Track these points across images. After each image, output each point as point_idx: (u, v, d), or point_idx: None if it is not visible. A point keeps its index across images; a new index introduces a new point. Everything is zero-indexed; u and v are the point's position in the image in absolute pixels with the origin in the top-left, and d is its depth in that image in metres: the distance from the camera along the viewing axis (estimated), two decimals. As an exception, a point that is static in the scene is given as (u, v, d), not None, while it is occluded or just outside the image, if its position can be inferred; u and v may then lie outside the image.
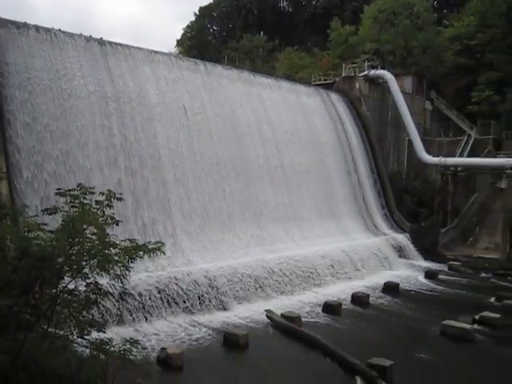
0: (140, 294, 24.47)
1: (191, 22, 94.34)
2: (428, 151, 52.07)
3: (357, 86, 52.37)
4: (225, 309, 27.15)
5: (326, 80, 56.38)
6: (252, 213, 35.60)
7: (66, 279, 12.31)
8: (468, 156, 53.49)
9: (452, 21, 69.40)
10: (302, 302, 29.77)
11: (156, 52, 34.50)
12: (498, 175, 51.40)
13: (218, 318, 25.73)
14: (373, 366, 19.88)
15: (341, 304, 29.17)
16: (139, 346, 12.95)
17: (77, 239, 11.88)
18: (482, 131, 57.16)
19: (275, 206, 37.64)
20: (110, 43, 31.26)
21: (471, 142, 55.58)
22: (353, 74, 53.59)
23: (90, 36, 30.43)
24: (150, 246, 12.58)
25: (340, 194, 44.96)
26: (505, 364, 22.91)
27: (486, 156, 53.17)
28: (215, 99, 36.23)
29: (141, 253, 12.39)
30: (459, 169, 51.31)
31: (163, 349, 20.25)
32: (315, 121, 45.65)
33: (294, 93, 45.41)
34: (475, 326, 26.83)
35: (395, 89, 52.43)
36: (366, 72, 52.67)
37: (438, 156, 51.42)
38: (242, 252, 32.46)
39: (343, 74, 54.82)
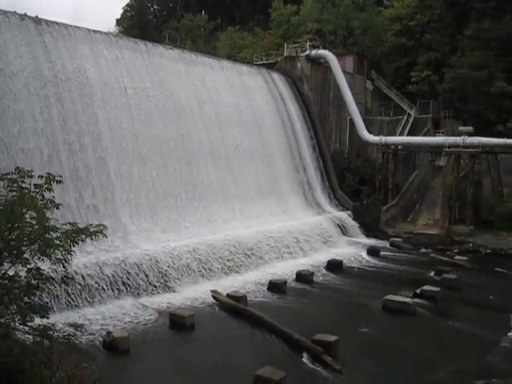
0: (83, 278, 24.13)
1: (131, 1, 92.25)
2: (369, 130, 52.84)
3: (299, 65, 52.61)
4: (171, 291, 27.06)
5: (268, 60, 56.46)
6: (195, 193, 35.46)
7: (6, 265, 12.02)
8: (408, 135, 54.69)
9: (392, 1, 70.31)
10: (248, 281, 29.97)
11: (95, 31, 33.62)
12: (436, 153, 52.81)
13: (164, 300, 25.64)
14: (318, 341, 20.27)
15: (286, 282, 29.52)
16: (84, 331, 12.81)
17: (16, 224, 11.60)
18: (422, 110, 58.60)
19: (219, 186, 37.62)
20: (47, 22, 30.25)
21: (411, 121, 56.89)
22: (295, 54, 53.77)
23: (25, 14, 29.39)
24: (91, 229, 12.41)
25: (283, 174, 45.29)
26: (444, 335, 23.82)
27: (425, 135, 54.50)
28: (156, 80, 35.69)
29: (83, 236, 12.21)
30: (399, 147, 52.31)
31: (109, 333, 20.05)
32: (258, 101, 45.68)
33: (236, 73, 45.23)
34: (416, 300, 27.65)
35: (337, 68, 52.88)
36: (307, 52, 52.91)
37: (379, 135, 52.31)
38: (186, 233, 32.36)
39: (285, 54, 54.95)
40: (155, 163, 33.24)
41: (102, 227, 12.64)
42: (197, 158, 36.64)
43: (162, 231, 31.34)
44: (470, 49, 59.26)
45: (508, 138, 46.49)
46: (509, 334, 24.02)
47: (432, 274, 34.10)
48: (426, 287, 29.08)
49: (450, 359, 20.83)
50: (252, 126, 43.57)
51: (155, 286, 26.74)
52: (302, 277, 31.17)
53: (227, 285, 28.58)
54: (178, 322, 22.56)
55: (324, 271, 33.63)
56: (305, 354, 20.02)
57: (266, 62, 55.70)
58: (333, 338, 20.52)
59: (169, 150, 34.53)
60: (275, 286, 28.73)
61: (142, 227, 30.49)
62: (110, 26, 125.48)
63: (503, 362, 20.88)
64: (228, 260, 31.58)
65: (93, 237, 12.43)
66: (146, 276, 26.72)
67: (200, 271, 29.49)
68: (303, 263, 34.58)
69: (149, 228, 30.83)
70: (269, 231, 36.58)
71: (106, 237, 12.84)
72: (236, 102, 42.64)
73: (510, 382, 18.91)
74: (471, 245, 42.87)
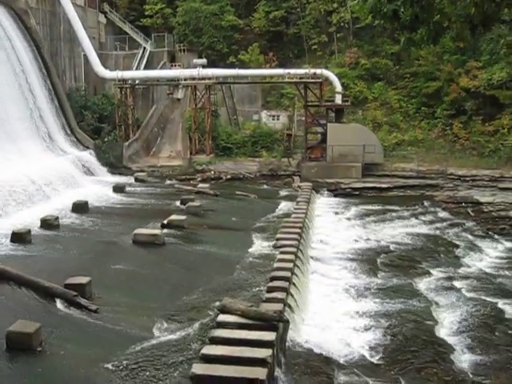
0: None
1: None
2: (105, 65, 51.73)
3: (22, -4, 48.62)
4: None
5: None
6: None
7: None
8: (144, 69, 54.77)
9: None
10: (-14, 236, 27.64)
11: None
12: (174, 86, 53.82)
13: None
14: (70, 285, 19.68)
15: (30, 231, 27.57)
16: None
17: None
18: (157, 44, 58.95)
19: None
20: None
21: (147, 54, 56.94)
22: (15, -16, 49.41)
23: None
24: None
25: (15, 116, 41.96)
26: (194, 260, 25.04)
27: (161, 68, 55.05)
28: None
29: None
30: (137, 82, 52.22)
31: None
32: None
33: None
34: (165, 230, 28.29)
35: (66, 1, 50.13)
36: (31, -18, 49.06)
37: (116, 70, 51.41)
38: None
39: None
40: None
41: None
42: None
43: None
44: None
45: (239, 68, 49.29)
46: (249, 250, 26.41)
47: (178, 203, 35.18)
48: (172, 217, 29.89)
49: (201, 281, 22.08)
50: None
51: None
52: (47, 223, 29.54)
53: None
54: None
55: (70, 214, 32.41)
56: (58, 301, 19.32)
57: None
58: (85, 279, 20.12)
59: None
60: (18, 237, 26.75)
61: None
62: None
63: (247, 275, 22.89)
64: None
65: None
66: None
67: None
68: (47, 209, 32.79)
69: None
70: (4, 179, 33.88)
71: None
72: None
73: (254, 289, 20.71)
74: (213, 172, 45.29)
